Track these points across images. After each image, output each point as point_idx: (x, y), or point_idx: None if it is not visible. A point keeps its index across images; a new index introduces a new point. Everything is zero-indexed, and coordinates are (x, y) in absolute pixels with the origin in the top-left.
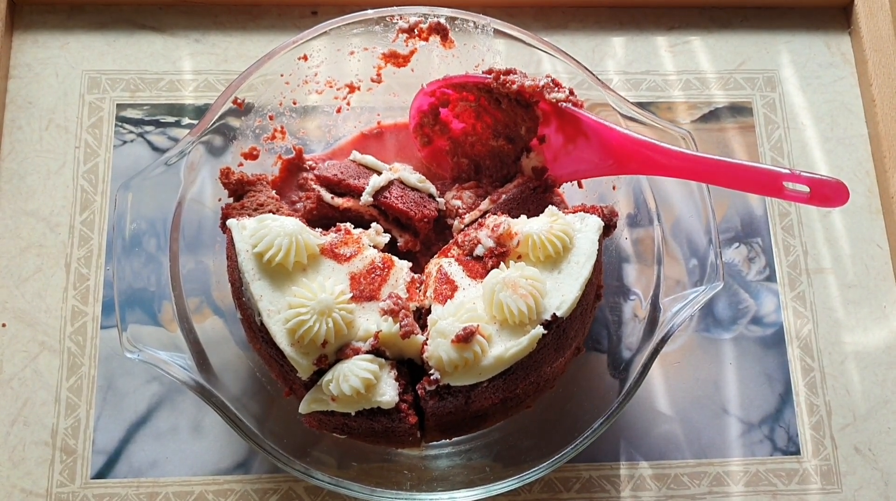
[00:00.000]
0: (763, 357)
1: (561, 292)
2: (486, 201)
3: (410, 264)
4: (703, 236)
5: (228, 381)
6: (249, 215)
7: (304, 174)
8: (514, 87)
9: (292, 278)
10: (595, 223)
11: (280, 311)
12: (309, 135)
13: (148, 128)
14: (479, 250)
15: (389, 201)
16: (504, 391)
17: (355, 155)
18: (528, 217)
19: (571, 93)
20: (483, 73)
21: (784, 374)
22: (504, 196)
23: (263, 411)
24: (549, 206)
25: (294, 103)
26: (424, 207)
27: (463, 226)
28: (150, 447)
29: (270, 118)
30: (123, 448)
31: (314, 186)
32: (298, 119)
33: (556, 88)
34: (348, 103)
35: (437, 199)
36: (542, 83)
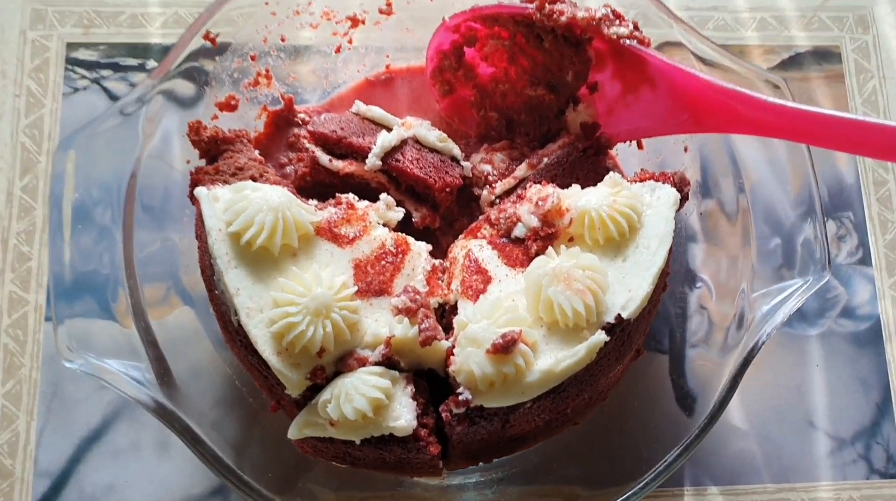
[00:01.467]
0: (856, 358)
1: (627, 287)
2: (524, 165)
3: (430, 248)
4: (789, 210)
5: (199, 392)
6: (225, 183)
7: (296, 130)
8: (563, 19)
9: (279, 266)
10: (670, 196)
11: (263, 309)
12: (301, 81)
13: (105, 72)
14: (518, 231)
15: (402, 165)
16: (551, 412)
17: (359, 106)
18: (580, 187)
19: (636, 28)
20: (522, 1)
21: (882, 378)
22: (545, 160)
23: (243, 431)
24: (610, 173)
25: (282, 40)
26: (446, 173)
27: (494, 198)
28: (106, 468)
29: (252, 59)
30: (73, 469)
31: (308, 145)
32: (288, 61)
33: (618, 21)
34: (350, 41)
35: (462, 163)
36: (598, 15)
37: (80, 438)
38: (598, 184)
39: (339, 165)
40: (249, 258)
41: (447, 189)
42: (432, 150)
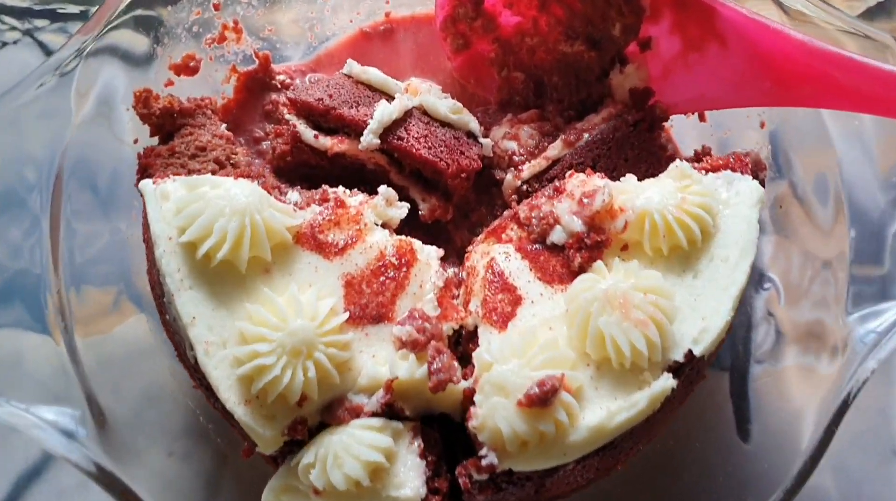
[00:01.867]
0: None
1: (700, 313)
2: (558, 143)
3: (441, 253)
4: (879, 195)
5: (153, 427)
6: (183, 167)
7: (273, 96)
8: None
9: (247, 286)
10: (753, 192)
11: (226, 344)
12: (280, 33)
13: (39, 22)
14: (556, 236)
15: (406, 143)
16: (598, 471)
17: (352, 67)
18: (628, 172)
19: None
20: None
21: None
22: (586, 136)
23: (209, 480)
24: (676, 162)
25: None
26: (460, 153)
27: (520, 183)
28: None
29: (215, 8)
30: None
31: (288, 116)
32: (262, 9)
33: None
34: None
35: (480, 140)
36: None
37: (18, 475)
38: (660, 175)
39: (327, 142)
40: (208, 276)
41: (462, 174)
42: (443, 124)
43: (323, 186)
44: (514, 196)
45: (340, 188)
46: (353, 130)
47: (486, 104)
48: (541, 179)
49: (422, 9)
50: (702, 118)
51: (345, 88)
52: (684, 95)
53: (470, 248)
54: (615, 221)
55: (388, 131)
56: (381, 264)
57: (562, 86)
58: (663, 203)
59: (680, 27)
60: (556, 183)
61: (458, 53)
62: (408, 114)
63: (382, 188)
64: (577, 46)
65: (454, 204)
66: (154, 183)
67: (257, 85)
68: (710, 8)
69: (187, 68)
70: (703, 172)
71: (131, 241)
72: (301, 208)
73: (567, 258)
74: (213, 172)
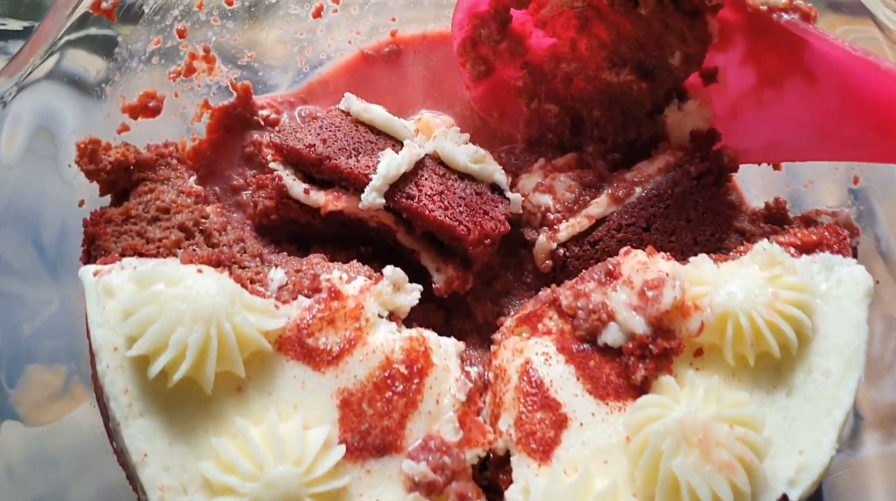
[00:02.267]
0: None
1: (797, 445)
2: (603, 198)
3: (462, 347)
4: None
5: None
6: (139, 241)
7: (255, 136)
8: None
9: (213, 412)
10: (858, 283)
11: (187, 489)
12: (264, 57)
13: None
14: (610, 335)
15: (417, 203)
16: None
17: (351, 102)
18: (689, 235)
19: None
20: None
21: None
22: (638, 190)
23: None
24: (764, 244)
25: (228, 2)
26: (484, 213)
27: (556, 246)
28: None
29: (180, 34)
30: None
31: (273, 164)
32: (240, 31)
33: None
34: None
35: (507, 194)
36: None
37: None
38: (743, 257)
39: (320, 198)
40: (164, 400)
41: (486, 241)
42: (462, 175)
43: (311, 258)
44: (548, 261)
45: (336, 273)
46: (353, 184)
47: (512, 142)
48: (581, 242)
49: (435, 26)
50: (776, 166)
51: (342, 130)
52: (757, 140)
53: (497, 336)
54: (688, 320)
55: (396, 188)
56: (386, 374)
57: (605, 122)
58: (751, 301)
59: (755, 57)
60: (609, 264)
61: (479, 81)
62: (419, 164)
63: (388, 271)
64: (625, 75)
65: (475, 272)
66: (96, 273)
67: (235, 122)
68: (798, 38)
69: (146, 109)
70: (792, 250)
71: (82, 310)
72: (285, 302)
73: (625, 367)
74: (179, 244)
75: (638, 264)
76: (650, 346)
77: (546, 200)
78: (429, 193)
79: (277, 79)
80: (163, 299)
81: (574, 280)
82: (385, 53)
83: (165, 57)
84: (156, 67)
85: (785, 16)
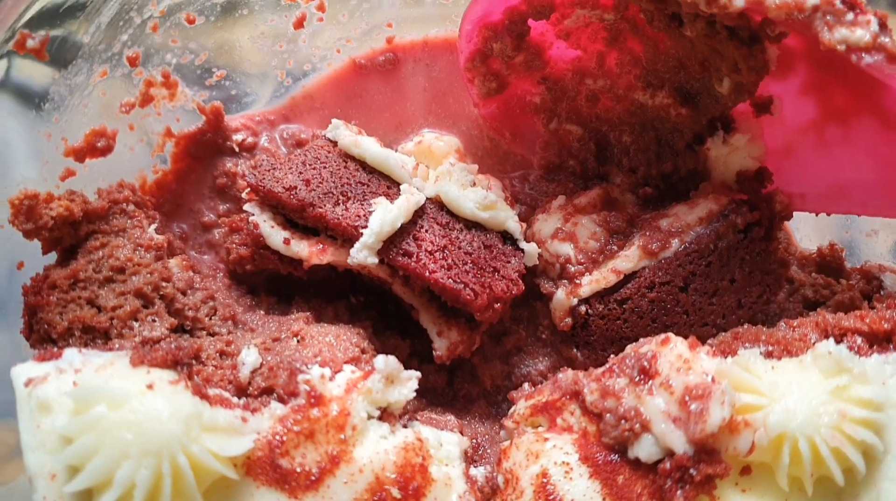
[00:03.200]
0: None
1: None
2: (634, 250)
3: (467, 444)
4: None
5: None
6: (89, 312)
7: (228, 165)
8: (738, 3)
9: None
10: None
11: None
12: (238, 69)
13: None
14: (644, 449)
15: (416, 262)
16: None
17: (339, 132)
18: (734, 297)
19: (883, 28)
20: None
21: None
22: (674, 243)
23: None
24: (828, 347)
25: (189, 20)
26: (494, 271)
27: (577, 302)
28: None
29: (132, 62)
30: None
31: (249, 206)
32: (207, 49)
33: (850, 15)
34: (321, 8)
35: (521, 244)
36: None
37: None
38: (803, 356)
39: (303, 250)
40: None
41: (497, 305)
42: (469, 223)
43: (293, 323)
44: (567, 320)
45: (316, 370)
46: (342, 235)
47: (527, 167)
48: (607, 299)
49: (438, 30)
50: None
51: (328, 167)
52: (816, 184)
53: (509, 424)
54: (737, 438)
55: (391, 242)
56: (376, 499)
57: (636, 149)
58: (813, 422)
59: (819, 89)
60: (643, 359)
61: (489, 99)
62: (419, 212)
63: (380, 362)
64: (662, 98)
65: (482, 333)
66: (28, 382)
67: (205, 149)
68: (878, 82)
69: (94, 150)
70: (859, 339)
71: None
72: (255, 410)
73: (660, 488)
74: (135, 315)
75: (678, 360)
76: (691, 470)
77: (566, 249)
78: (429, 248)
79: (255, 92)
80: (105, 426)
81: (600, 371)
82: (380, 63)
83: (115, 88)
84: (104, 100)
85: (867, 57)
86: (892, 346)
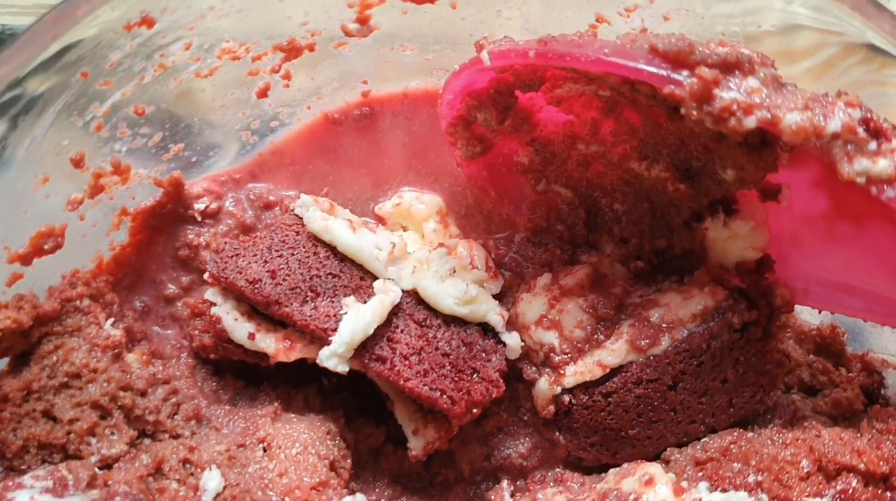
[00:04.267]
0: None
1: None
2: (622, 344)
3: None
4: None
5: None
6: (43, 428)
7: (190, 236)
8: (749, 123)
9: None
10: None
11: None
12: (199, 137)
13: None
14: None
15: (390, 369)
16: None
17: (308, 211)
18: (726, 397)
19: None
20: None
21: None
22: (664, 341)
23: None
24: None
25: (138, 114)
26: (473, 372)
27: (561, 391)
28: None
29: (75, 165)
30: None
31: (211, 294)
32: (163, 130)
33: (873, 143)
34: (287, 76)
35: (503, 337)
36: (833, 126)
37: None
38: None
39: (269, 346)
40: None
41: (475, 410)
42: (448, 319)
43: (259, 419)
44: (550, 408)
45: None
46: (312, 334)
47: (512, 228)
48: (591, 391)
49: (418, 83)
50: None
51: (296, 255)
52: (820, 279)
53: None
54: None
55: (364, 346)
56: None
57: (627, 220)
58: None
59: (831, 186)
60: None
61: (472, 161)
62: (395, 309)
63: None
64: (659, 172)
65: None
66: None
67: (165, 220)
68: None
69: (42, 251)
70: (852, 480)
71: None
72: None
73: None
74: (93, 430)
75: None
76: None
77: (551, 338)
78: (405, 352)
79: (218, 152)
80: None
81: None
82: (355, 117)
83: (60, 188)
84: (48, 202)
85: (889, 191)
86: (888, 490)
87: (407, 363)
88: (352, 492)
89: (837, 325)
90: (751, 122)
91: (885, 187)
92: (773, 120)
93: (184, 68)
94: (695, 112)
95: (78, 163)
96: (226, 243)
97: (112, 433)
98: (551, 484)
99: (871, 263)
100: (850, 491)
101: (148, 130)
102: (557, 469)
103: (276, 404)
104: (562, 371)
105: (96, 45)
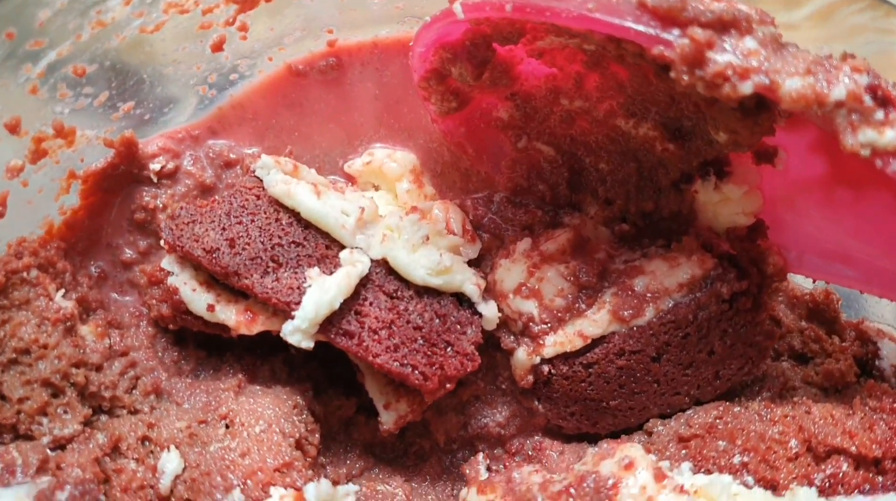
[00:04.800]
0: None
1: None
2: (604, 314)
3: None
4: None
5: None
6: None
7: (147, 198)
8: (744, 89)
9: None
10: None
11: None
12: (151, 93)
13: None
14: None
15: (359, 344)
16: None
17: (268, 179)
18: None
19: None
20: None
21: None
22: (649, 311)
23: None
24: (805, 496)
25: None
26: (447, 346)
27: (539, 361)
28: None
29: (11, 130)
30: None
31: (168, 263)
32: (109, 88)
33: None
34: (243, 27)
35: (480, 307)
36: (838, 93)
37: None
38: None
39: (230, 318)
40: None
41: (448, 385)
42: (421, 289)
43: (221, 393)
44: (529, 378)
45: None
46: (274, 305)
47: (491, 187)
48: (572, 361)
49: (389, 31)
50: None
51: (257, 222)
52: (816, 246)
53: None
54: None
55: (331, 321)
56: None
57: (613, 180)
58: None
59: (830, 150)
60: (602, 491)
61: (447, 116)
62: (364, 280)
63: (310, 492)
64: (647, 130)
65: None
66: None
67: (118, 182)
68: None
69: None
70: (843, 463)
71: None
72: None
73: None
74: (44, 410)
75: (641, 496)
76: None
77: (529, 307)
78: (374, 326)
79: (175, 108)
80: None
81: (556, 490)
82: (321, 68)
83: None
84: None
85: (895, 163)
86: (879, 475)
87: (376, 337)
88: (319, 470)
89: (832, 291)
90: (747, 88)
91: (891, 160)
92: (771, 86)
93: (126, 24)
94: (686, 77)
95: (13, 128)
96: (182, 208)
97: (65, 413)
98: (530, 452)
99: (869, 231)
100: (840, 475)
101: (91, 89)
102: (536, 437)
103: (239, 376)
104: (541, 341)
105: (21, 3)
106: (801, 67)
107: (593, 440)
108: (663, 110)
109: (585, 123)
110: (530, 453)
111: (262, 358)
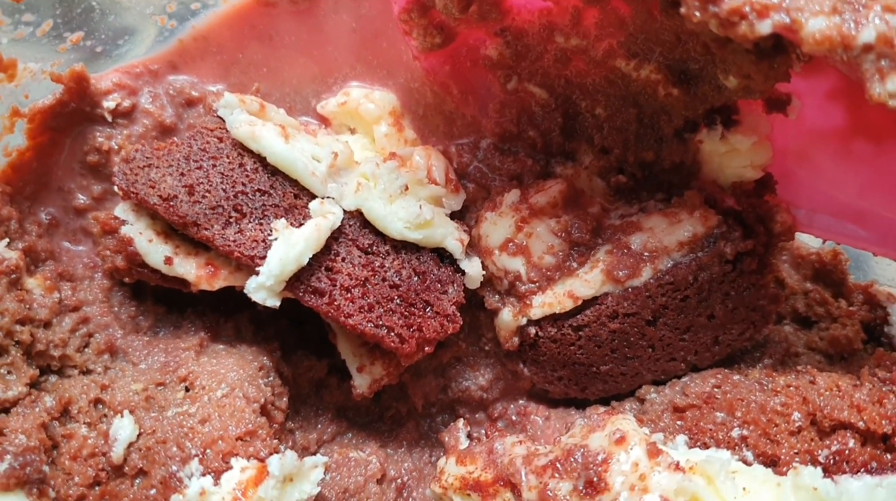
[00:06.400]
0: None
1: None
2: (597, 273)
3: None
4: None
5: None
6: None
7: (100, 138)
8: (761, 30)
9: None
10: None
11: None
12: (103, 22)
13: None
14: None
15: (328, 304)
16: None
17: (231, 119)
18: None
19: None
20: None
21: None
22: (646, 271)
23: None
24: (809, 475)
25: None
26: (426, 305)
27: (526, 322)
28: None
29: None
30: None
31: (121, 210)
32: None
33: None
34: None
35: (463, 264)
36: (866, 36)
37: None
38: (781, 483)
39: (189, 272)
40: None
41: (426, 348)
42: (398, 244)
43: (182, 353)
44: (514, 340)
45: (195, 482)
46: (236, 259)
47: (478, 132)
48: (561, 323)
49: None
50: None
51: (219, 167)
52: (829, 202)
53: (437, 489)
54: None
55: (299, 277)
56: None
57: (610, 127)
58: None
59: (850, 97)
60: (590, 468)
61: (430, 52)
62: (337, 232)
63: (274, 463)
64: (650, 73)
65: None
66: None
67: (69, 120)
68: None
69: None
70: (849, 440)
71: None
72: None
73: None
74: None
75: (633, 471)
76: None
77: (516, 265)
78: (346, 283)
79: (131, 40)
80: None
81: (542, 463)
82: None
83: None
84: None
85: None
86: (888, 452)
87: (349, 296)
88: (287, 436)
89: (840, 251)
90: (765, 27)
91: None
92: (792, 25)
93: None
94: (697, 13)
95: None
96: (137, 150)
97: (8, 373)
98: (514, 417)
99: (888, 187)
100: (847, 452)
101: (32, 17)
102: (521, 402)
103: (201, 334)
104: (528, 302)
105: None
106: (827, 5)
107: (581, 404)
108: (668, 51)
109: (582, 63)
110: (514, 418)
111: (227, 315)
